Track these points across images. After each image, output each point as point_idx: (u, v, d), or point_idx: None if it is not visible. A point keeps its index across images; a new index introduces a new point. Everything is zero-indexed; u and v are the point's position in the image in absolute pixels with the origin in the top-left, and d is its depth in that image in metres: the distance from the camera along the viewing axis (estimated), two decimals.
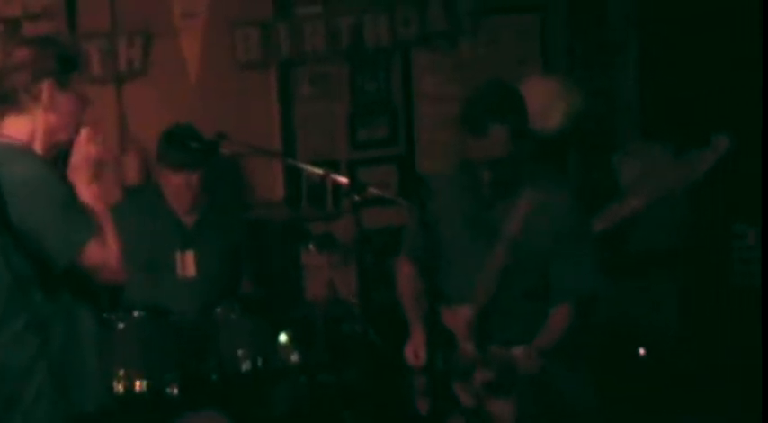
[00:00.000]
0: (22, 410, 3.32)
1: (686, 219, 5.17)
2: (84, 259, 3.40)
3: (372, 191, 4.79)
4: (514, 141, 4.00)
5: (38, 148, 3.51)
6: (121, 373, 4.42)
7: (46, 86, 3.47)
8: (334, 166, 5.46)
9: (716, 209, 5.33)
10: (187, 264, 5.17)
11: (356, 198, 4.48)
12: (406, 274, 4.42)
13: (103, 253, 3.44)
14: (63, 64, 3.54)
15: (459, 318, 4.13)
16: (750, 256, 5.25)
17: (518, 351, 4.05)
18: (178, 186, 5.13)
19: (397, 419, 4.58)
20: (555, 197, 4.18)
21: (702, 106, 5.42)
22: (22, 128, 3.48)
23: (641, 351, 5.11)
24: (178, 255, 5.16)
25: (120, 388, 4.41)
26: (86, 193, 3.52)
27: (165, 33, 5.63)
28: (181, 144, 5.08)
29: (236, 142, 4.82)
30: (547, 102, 4.94)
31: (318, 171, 4.55)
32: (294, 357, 4.82)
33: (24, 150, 3.47)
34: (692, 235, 5.28)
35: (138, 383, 4.43)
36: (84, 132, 3.53)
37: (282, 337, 4.83)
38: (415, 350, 4.19)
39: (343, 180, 4.49)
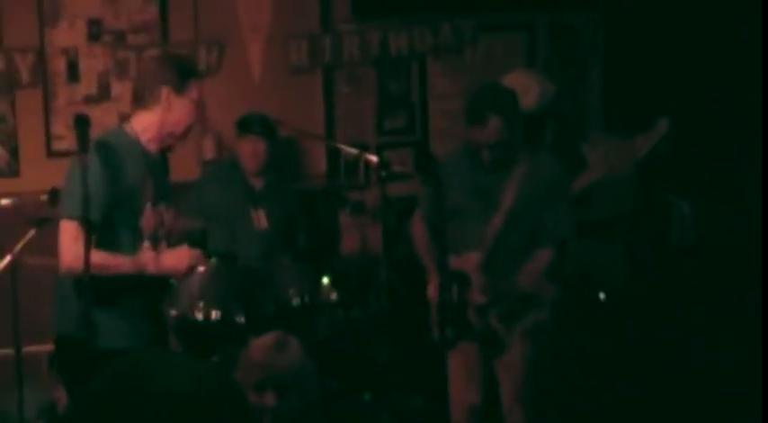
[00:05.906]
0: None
1: (633, 190, 5.40)
2: (61, 225, 3.68)
3: (395, 167, 4.98)
4: (508, 129, 4.33)
5: (152, 138, 3.88)
6: (201, 305, 4.56)
7: (164, 91, 3.84)
8: (365, 147, 5.66)
9: (656, 182, 5.59)
10: (261, 218, 5.63)
11: (382, 173, 4.65)
12: (419, 231, 4.76)
13: (68, 245, 3.61)
14: (180, 74, 3.87)
15: (469, 261, 4.47)
16: (683, 222, 5.62)
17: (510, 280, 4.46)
18: (250, 152, 5.62)
19: (416, 345, 5.16)
20: (542, 163, 4.48)
21: (651, 107, 5.68)
22: (144, 121, 3.89)
23: (602, 296, 5.47)
24: (252, 211, 5.62)
25: (200, 316, 4.53)
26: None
27: (235, 43, 6.17)
28: (254, 121, 5.62)
29: (290, 127, 5.38)
30: (525, 86, 5.11)
31: (353, 151, 4.88)
32: (333, 296, 5.12)
33: (126, 134, 3.86)
34: (638, 204, 5.52)
35: (213, 313, 4.59)
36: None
37: (324, 280, 5.13)
38: (435, 288, 4.50)
39: (373, 158, 4.70)
